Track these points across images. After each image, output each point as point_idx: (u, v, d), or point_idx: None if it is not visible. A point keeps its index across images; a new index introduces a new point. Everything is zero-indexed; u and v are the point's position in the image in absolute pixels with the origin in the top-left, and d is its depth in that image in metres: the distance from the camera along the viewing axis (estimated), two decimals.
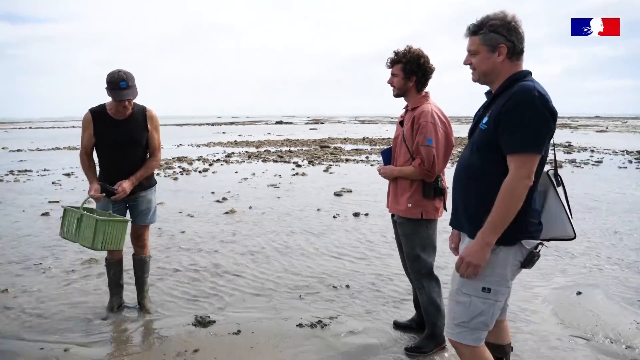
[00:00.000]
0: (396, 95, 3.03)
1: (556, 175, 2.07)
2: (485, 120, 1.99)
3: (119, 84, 3.17)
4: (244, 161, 15.53)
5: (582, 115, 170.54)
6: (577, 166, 13.65)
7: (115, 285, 3.72)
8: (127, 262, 3.84)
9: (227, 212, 7.41)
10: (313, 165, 14.39)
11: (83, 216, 3.10)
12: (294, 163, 14.75)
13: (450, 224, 2.24)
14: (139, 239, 3.68)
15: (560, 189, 2.05)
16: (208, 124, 61.84)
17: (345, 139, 28.19)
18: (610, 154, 17.24)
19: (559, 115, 1.95)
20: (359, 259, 5.08)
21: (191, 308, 3.78)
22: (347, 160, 15.82)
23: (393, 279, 4.43)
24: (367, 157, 16.75)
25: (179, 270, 4.69)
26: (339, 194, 9.13)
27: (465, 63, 2.08)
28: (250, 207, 7.81)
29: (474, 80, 2.09)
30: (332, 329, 3.39)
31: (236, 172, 12.50)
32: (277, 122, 68.57)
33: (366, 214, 7.31)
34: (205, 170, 12.99)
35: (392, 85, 3.02)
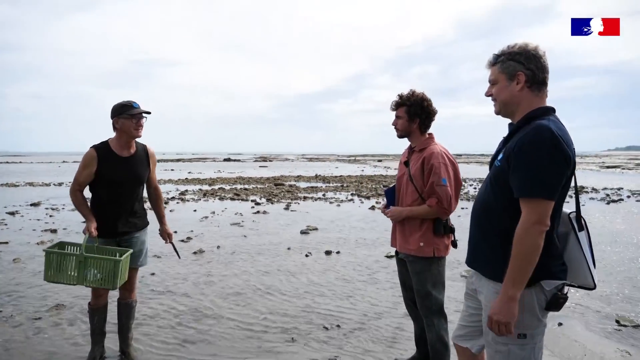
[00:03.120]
0: (400, 136, 3.13)
1: (578, 218, 1.97)
2: (500, 157, 1.94)
3: (133, 104, 3.21)
4: (200, 199, 15.19)
5: None
6: None
7: (99, 333, 3.48)
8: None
9: (195, 252, 7.17)
10: (272, 203, 14.30)
11: (88, 259, 2.95)
12: (252, 201, 14.60)
13: (466, 261, 2.18)
14: (127, 282, 3.48)
15: (582, 234, 1.95)
16: None
17: (298, 176, 28.33)
18: None
19: None
20: (342, 298, 5.04)
21: (181, 356, 3.58)
22: (305, 197, 15.84)
23: (379, 317, 4.42)
24: (324, 195, 16.86)
25: (157, 315, 4.46)
26: (305, 232, 9.09)
27: (487, 94, 2.04)
28: (218, 247, 7.61)
29: (496, 113, 2.03)
30: None
31: (195, 211, 12.18)
32: (226, 159, 67.92)
33: (337, 252, 7.31)
34: None
35: (395, 128, 3.11)
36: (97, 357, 3.44)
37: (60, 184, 21.39)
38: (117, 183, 3.23)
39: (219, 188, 19.58)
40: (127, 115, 3.17)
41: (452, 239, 3.02)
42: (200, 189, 18.91)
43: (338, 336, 3.96)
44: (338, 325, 4.19)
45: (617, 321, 4.31)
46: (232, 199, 15.40)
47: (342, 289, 5.36)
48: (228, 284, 5.54)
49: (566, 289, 1.94)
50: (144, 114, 3.24)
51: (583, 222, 1.98)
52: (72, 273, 3.02)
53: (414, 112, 3.01)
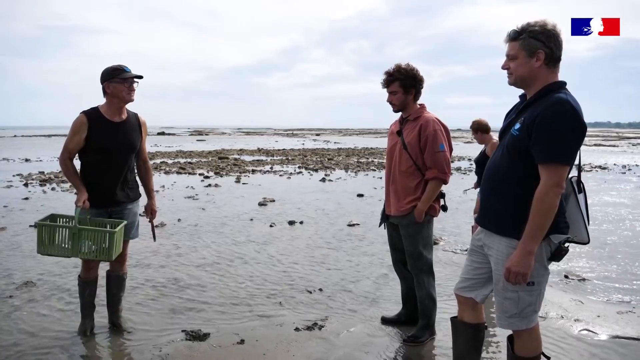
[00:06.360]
0: (397, 111, 3.26)
1: (579, 182, 2.22)
2: (517, 126, 2.10)
3: (124, 68, 3.15)
4: None
5: None
6: (464, 173, 15.24)
7: (90, 306, 3.43)
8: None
9: (156, 226, 7.03)
10: (221, 176, 14.16)
11: (82, 231, 2.90)
12: (200, 175, 14.36)
13: (477, 221, 2.39)
14: (119, 254, 3.45)
15: (581, 196, 2.20)
16: None
17: (240, 150, 28.06)
18: None
19: None
20: (317, 263, 5.23)
21: (173, 323, 3.61)
22: (253, 171, 15.80)
23: (357, 280, 4.66)
24: (271, 168, 16.89)
25: (138, 287, 4.41)
26: (263, 204, 9.16)
27: (504, 67, 2.17)
28: (179, 220, 7.53)
29: (510, 84, 2.18)
30: (329, 329, 3.51)
31: None
32: (159, 133, 65.38)
33: (301, 222, 7.47)
34: None
35: (392, 103, 3.24)
36: (87, 330, 3.40)
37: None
38: (109, 150, 3.16)
39: (161, 162, 19.01)
40: (119, 80, 3.11)
41: (443, 203, 3.26)
42: None
43: (322, 299, 4.16)
44: (320, 289, 4.38)
45: (566, 276, 4.83)
46: (178, 172, 15.06)
47: (313, 255, 5.55)
48: (200, 255, 5.55)
49: (566, 243, 2.19)
50: (135, 79, 3.19)
51: (582, 185, 2.25)
52: (66, 245, 2.99)
53: (410, 84, 3.15)
